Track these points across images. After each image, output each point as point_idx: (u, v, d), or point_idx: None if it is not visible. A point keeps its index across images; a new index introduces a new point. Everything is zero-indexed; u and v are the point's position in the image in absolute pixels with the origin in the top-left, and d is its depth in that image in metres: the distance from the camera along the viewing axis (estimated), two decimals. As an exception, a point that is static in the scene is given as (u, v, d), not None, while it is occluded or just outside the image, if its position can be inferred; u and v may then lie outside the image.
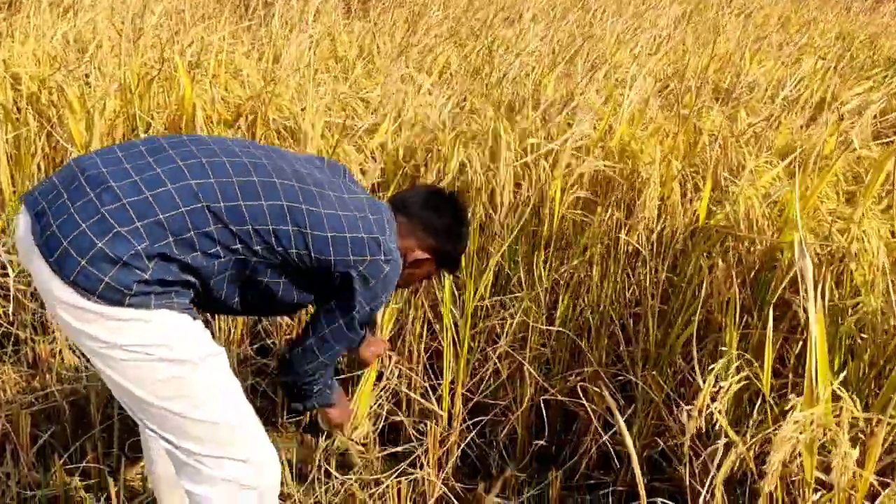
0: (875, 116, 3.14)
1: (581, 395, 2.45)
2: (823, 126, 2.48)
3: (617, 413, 1.15)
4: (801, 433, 1.12)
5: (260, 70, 3.00)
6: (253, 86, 2.67)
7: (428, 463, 2.43)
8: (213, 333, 2.09)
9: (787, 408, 1.23)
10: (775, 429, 1.28)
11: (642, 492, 1.24)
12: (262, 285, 1.70)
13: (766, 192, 2.09)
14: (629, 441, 1.13)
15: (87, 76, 2.81)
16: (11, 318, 2.93)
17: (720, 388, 1.35)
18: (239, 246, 1.60)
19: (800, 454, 1.17)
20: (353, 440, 2.31)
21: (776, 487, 1.20)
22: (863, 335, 1.76)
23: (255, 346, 2.95)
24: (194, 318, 1.62)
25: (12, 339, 2.93)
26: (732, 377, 1.39)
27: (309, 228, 1.64)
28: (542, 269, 2.43)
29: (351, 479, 2.44)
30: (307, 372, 1.85)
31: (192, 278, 1.59)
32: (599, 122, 2.66)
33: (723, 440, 1.36)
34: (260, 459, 1.70)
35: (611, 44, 3.97)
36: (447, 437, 2.51)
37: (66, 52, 3.13)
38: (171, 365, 1.55)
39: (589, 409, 2.42)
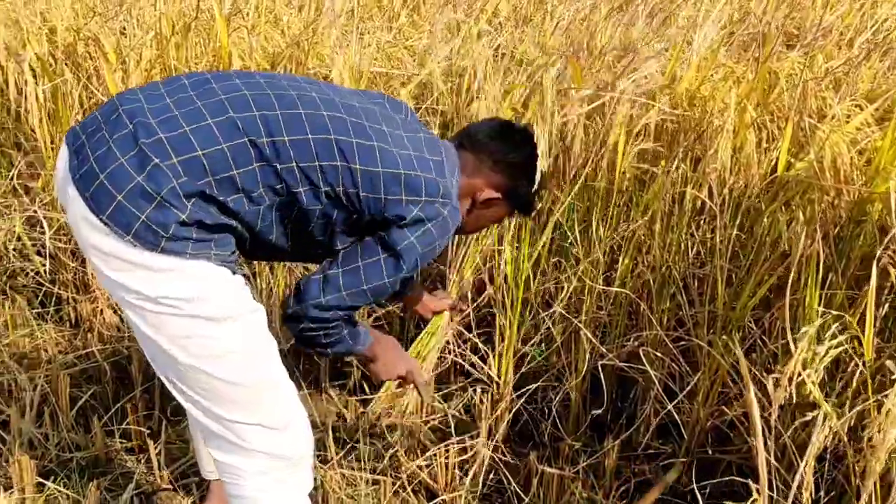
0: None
1: (641, 361, 2.32)
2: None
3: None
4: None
5: (301, 20, 2.86)
6: (294, 35, 2.53)
7: (477, 431, 2.32)
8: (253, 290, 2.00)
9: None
10: (876, 400, 1.12)
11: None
12: (312, 229, 1.56)
13: (854, 139, 1.89)
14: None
15: (123, 28, 2.71)
16: (51, 277, 2.89)
17: (814, 353, 1.19)
18: (281, 185, 1.46)
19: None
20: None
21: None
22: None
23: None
24: (234, 273, 1.50)
25: (53, 298, 2.89)
26: (829, 341, 1.22)
27: (358, 163, 1.48)
28: (602, 228, 2.27)
29: (395, 447, 2.35)
30: (323, 306, 1.54)
31: (233, 222, 1.47)
32: (664, 68, 2.46)
33: (818, 412, 1.20)
34: (294, 427, 1.61)
35: (671, -11, 3.72)
36: (497, 404, 2.39)
37: (104, 3, 3.02)
38: (205, 322, 1.44)
39: (651, 374, 2.28)
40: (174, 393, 1.55)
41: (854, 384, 1.38)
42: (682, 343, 2.30)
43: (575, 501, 2.19)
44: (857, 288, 1.79)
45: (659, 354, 2.29)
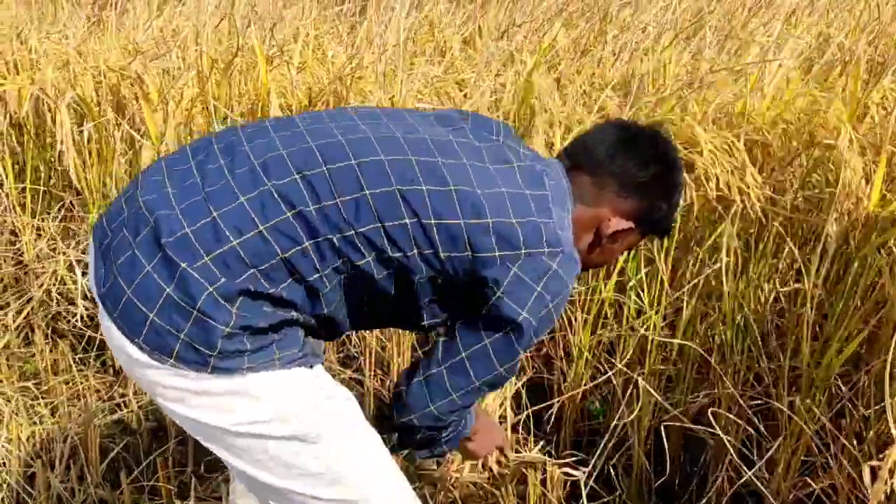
0: None
1: (711, 422, 2.08)
2: None
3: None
4: None
5: (348, 55, 2.76)
6: (336, 71, 2.43)
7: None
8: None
9: None
10: None
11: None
12: (394, 302, 1.27)
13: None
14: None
15: (167, 69, 2.66)
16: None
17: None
18: (341, 261, 1.19)
19: None
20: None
21: None
22: None
23: (341, 356, 2.71)
24: (311, 367, 1.26)
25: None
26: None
27: (432, 217, 1.18)
28: (666, 270, 2.05)
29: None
30: (435, 415, 1.31)
31: (293, 314, 1.21)
32: (737, 99, 2.25)
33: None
34: (405, 497, 1.37)
35: (742, 16, 3.51)
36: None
37: (155, 43, 3.00)
38: (289, 442, 1.22)
39: (723, 438, 2.04)
40: None
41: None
42: (759, 403, 2.05)
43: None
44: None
45: (732, 416, 2.04)
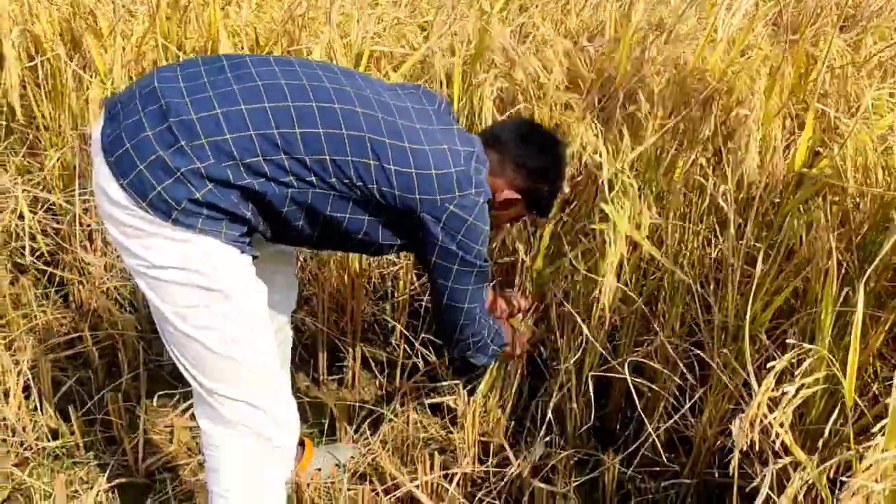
0: None
1: (651, 371, 2.13)
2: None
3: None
4: (877, 481, 0.77)
5: (309, -7, 2.71)
6: (288, 10, 2.39)
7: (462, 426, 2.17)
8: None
9: (874, 432, 0.87)
10: (859, 451, 0.92)
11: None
12: (341, 220, 1.58)
13: (884, 135, 1.65)
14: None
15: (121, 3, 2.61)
16: (54, 259, 2.85)
17: (782, 392, 1.00)
18: (313, 178, 1.49)
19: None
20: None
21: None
22: None
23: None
24: (242, 252, 1.52)
25: (56, 280, 2.84)
26: (803, 378, 1.02)
27: (392, 164, 1.51)
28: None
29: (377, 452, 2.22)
30: (467, 324, 1.78)
31: (250, 209, 1.49)
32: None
33: (789, 460, 1.01)
34: (281, 411, 1.62)
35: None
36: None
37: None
38: (204, 292, 1.47)
39: (656, 388, 2.09)
40: (175, 361, 1.58)
41: (827, 430, 1.18)
42: (695, 354, 2.09)
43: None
44: (878, 306, 1.56)
45: (665, 366, 2.08)
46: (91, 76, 2.31)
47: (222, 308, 1.49)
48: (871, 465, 0.87)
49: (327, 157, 1.47)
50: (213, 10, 2.21)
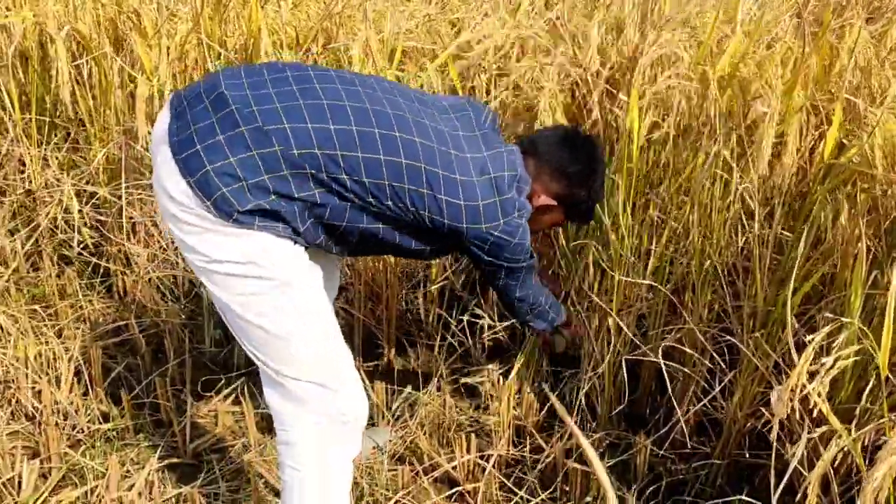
0: None
1: (681, 356, 2.19)
2: None
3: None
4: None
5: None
6: (324, 9, 2.47)
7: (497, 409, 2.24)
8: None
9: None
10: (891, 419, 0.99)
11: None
12: (393, 237, 1.68)
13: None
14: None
15: (163, 3, 2.70)
16: (98, 251, 2.95)
17: (821, 364, 1.07)
18: (371, 199, 1.57)
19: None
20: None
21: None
22: None
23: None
24: (295, 243, 1.60)
25: (101, 271, 2.95)
26: (840, 350, 1.09)
27: (444, 194, 1.60)
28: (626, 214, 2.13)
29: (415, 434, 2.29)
30: (523, 299, 1.93)
31: (308, 220, 1.57)
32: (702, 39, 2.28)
33: (825, 429, 1.08)
34: (348, 389, 1.68)
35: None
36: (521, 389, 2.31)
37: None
38: (262, 282, 1.54)
39: (689, 371, 2.16)
40: (242, 345, 1.65)
41: (861, 404, 1.24)
42: (724, 340, 2.15)
43: (600, 499, 2.09)
44: (906, 288, 1.61)
45: (694, 351, 2.14)
46: (138, 73, 2.39)
47: (280, 295, 1.56)
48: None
49: (386, 182, 1.56)
50: (255, 9, 2.29)
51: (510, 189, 1.68)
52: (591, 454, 0.70)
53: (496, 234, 1.67)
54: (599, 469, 0.68)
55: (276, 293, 1.56)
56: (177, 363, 2.53)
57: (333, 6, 2.40)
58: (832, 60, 2.10)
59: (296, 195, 1.51)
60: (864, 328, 1.20)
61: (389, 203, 1.58)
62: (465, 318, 2.59)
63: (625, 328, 2.18)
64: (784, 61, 1.97)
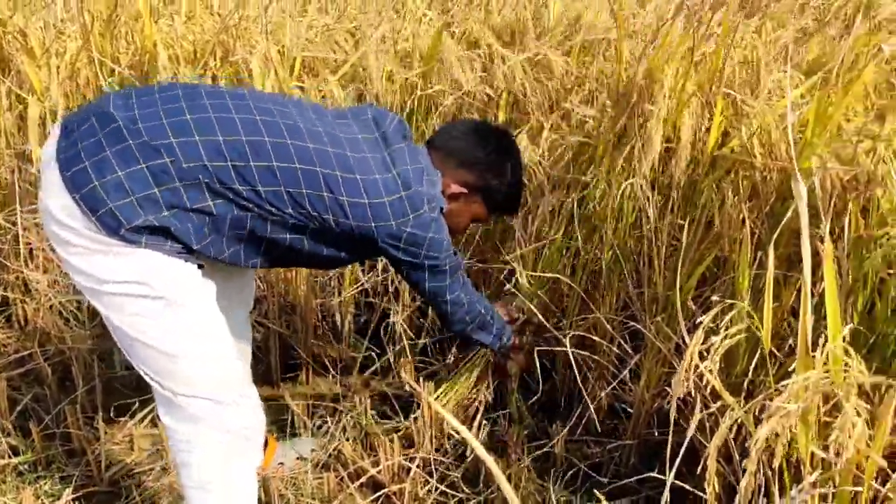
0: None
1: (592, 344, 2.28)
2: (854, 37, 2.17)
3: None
4: (793, 403, 0.92)
5: (239, 3, 2.77)
6: (220, 21, 2.45)
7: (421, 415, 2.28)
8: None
9: (789, 369, 1.02)
10: (776, 389, 1.07)
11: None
12: (301, 246, 1.66)
13: (784, 113, 1.82)
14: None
15: (50, 22, 2.62)
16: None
17: (710, 344, 1.15)
18: (271, 208, 1.55)
19: (794, 427, 0.96)
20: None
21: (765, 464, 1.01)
22: (890, 272, 1.52)
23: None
24: (186, 261, 1.57)
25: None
26: (728, 329, 1.18)
27: (345, 195, 1.58)
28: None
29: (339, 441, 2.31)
30: (458, 309, 1.86)
31: (204, 237, 1.55)
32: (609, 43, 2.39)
33: (719, 404, 1.16)
34: (243, 404, 1.67)
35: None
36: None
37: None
38: (151, 302, 1.52)
39: (600, 359, 2.25)
40: (137, 368, 1.63)
41: (750, 376, 1.34)
42: (630, 326, 2.26)
43: (525, 493, 2.15)
44: (789, 267, 1.74)
45: (603, 339, 2.24)
46: (27, 94, 2.32)
47: (170, 315, 1.55)
48: (787, 390, 1.01)
49: (282, 189, 1.54)
50: (148, 23, 2.25)
51: (417, 183, 1.65)
52: (479, 448, 0.74)
53: (408, 229, 1.63)
54: (479, 449, 0.71)
55: (167, 313, 1.54)
56: (86, 390, 2.46)
57: (229, 18, 2.38)
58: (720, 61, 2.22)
59: (190, 207, 1.50)
60: (751, 309, 1.30)
61: (291, 211, 1.57)
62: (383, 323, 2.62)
63: (538, 315, 2.25)
64: (671, 59, 2.07)
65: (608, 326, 2.18)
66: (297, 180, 1.54)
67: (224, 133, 1.51)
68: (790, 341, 1.85)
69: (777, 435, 0.92)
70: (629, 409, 2.27)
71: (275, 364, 2.67)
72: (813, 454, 0.97)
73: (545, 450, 2.26)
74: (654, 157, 1.83)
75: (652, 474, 2.05)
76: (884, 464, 0.94)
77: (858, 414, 0.88)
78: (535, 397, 2.36)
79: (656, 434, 2.20)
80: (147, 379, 1.63)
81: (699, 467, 1.13)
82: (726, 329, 1.17)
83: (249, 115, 1.55)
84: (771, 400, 1.08)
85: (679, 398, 2.05)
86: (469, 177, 1.79)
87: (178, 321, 1.56)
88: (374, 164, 1.62)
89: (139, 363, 1.60)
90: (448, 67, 2.49)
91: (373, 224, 1.61)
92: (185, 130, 1.49)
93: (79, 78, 2.42)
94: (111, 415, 2.41)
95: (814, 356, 0.95)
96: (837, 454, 0.90)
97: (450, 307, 1.85)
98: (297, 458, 2.29)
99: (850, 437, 0.88)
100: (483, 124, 1.88)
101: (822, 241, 1.35)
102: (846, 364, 0.97)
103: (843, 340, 0.99)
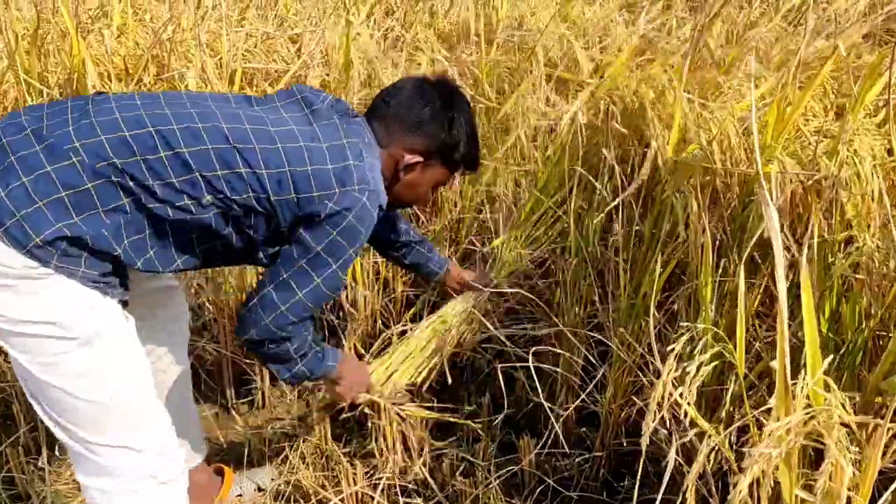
0: (865, 15, 2.81)
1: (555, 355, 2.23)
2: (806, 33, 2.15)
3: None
4: (775, 449, 0.86)
5: (173, 15, 2.65)
6: (155, 34, 2.33)
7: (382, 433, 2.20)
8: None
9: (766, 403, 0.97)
10: (755, 415, 1.02)
11: None
12: (228, 239, 1.53)
13: (742, 117, 1.79)
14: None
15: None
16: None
17: (683, 371, 1.10)
18: (187, 201, 1.43)
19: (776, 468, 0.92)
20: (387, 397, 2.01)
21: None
22: (857, 276, 1.49)
23: (198, 324, 2.69)
24: (105, 295, 1.46)
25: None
26: (700, 355, 1.12)
27: (264, 167, 1.44)
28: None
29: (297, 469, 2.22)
30: (271, 329, 1.56)
31: (127, 234, 1.43)
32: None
33: (696, 430, 1.11)
34: (163, 449, 1.58)
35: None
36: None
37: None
38: (63, 342, 1.41)
39: (561, 372, 2.20)
40: (42, 417, 1.51)
41: (727, 401, 1.30)
42: (594, 336, 2.20)
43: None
44: (752, 272, 1.70)
45: (567, 350, 2.19)
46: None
47: (83, 356, 1.43)
48: (769, 434, 0.96)
49: (197, 175, 1.42)
50: (76, 40, 2.13)
51: (353, 158, 1.50)
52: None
53: (331, 204, 1.47)
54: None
55: (79, 354, 1.43)
56: (28, 429, 2.32)
57: (162, 32, 2.26)
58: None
59: (102, 208, 1.39)
60: (717, 330, 1.25)
61: (209, 197, 1.44)
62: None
63: (493, 328, 2.19)
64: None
65: (571, 338, 2.13)
66: (211, 162, 1.43)
67: (130, 128, 1.41)
68: (756, 345, 1.82)
69: (761, 477, 0.87)
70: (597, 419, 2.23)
71: (229, 389, 2.56)
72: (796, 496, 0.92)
73: (512, 469, 2.20)
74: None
75: (622, 484, 2.02)
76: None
77: (847, 452, 0.84)
78: (502, 413, 2.30)
79: (624, 444, 2.15)
80: (54, 429, 1.51)
81: (673, 489, 1.08)
82: (700, 353, 1.11)
83: (157, 109, 1.45)
84: (748, 429, 1.03)
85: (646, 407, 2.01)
86: (420, 141, 1.64)
87: (91, 362, 1.44)
88: (300, 135, 1.50)
89: (48, 409, 1.48)
90: (356, 74, 2.40)
91: (294, 195, 1.47)
92: (92, 132, 1.39)
93: (6, 100, 2.28)
94: (56, 453, 2.29)
95: (793, 389, 0.90)
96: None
97: (270, 319, 1.55)
98: (256, 490, 2.20)
99: (837, 482, 0.83)
100: (417, 81, 1.69)
101: (787, 249, 1.31)
102: (826, 401, 0.92)
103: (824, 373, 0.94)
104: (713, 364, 1.16)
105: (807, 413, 0.87)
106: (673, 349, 1.10)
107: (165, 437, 1.60)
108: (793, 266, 1.74)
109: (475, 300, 2.19)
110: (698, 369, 1.08)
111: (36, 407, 1.50)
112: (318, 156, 1.48)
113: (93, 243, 1.39)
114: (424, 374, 2.12)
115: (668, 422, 1.42)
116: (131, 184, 1.39)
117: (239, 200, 1.46)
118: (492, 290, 2.19)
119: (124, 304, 1.54)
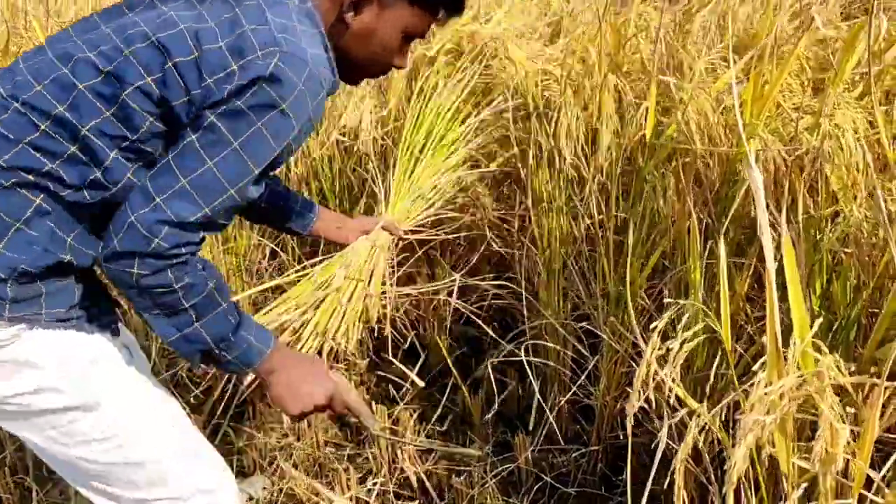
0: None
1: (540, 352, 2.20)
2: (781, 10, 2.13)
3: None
4: (767, 414, 0.84)
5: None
6: None
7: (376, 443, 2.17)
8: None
9: (753, 371, 0.94)
10: (744, 390, 1.00)
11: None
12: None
13: (720, 96, 1.77)
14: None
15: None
16: None
17: (667, 349, 1.06)
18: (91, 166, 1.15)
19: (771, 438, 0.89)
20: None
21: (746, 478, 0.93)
22: (846, 250, 1.47)
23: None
24: (77, 331, 1.23)
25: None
26: (684, 332, 1.09)
27: (169, 57, 1.12)
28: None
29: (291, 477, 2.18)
30: (139, 232, 1.11)
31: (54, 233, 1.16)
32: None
33: (684, 411, 1.08)
34: (208, 479, 1.36)
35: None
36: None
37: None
38: (65, 413, 1.21)
39: (551, 365, 2.17)
40: (86, 495, 1.31)
41: (712, 378, 1.28)
42: (581, 326, 2.18)
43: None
44: (739, 254, 1.68)
45: (556, 343, 2.16)
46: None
47: (94, 415, 1.24)
48: (758, 401, 0.93)
49: (84, 131, 1.13)
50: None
51: (249, 23, 1.15)
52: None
53: (234, 81, 1.11)
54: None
55: (91, 416, 1.22)
56: (15, 448, 2.28)
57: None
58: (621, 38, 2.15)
59: (17, 223, 1.13)
60: (705, 308, 1.22)
61: (111, 154, 1.15)
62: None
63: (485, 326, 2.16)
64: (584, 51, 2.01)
65: (560, 329, 2.10)
66: (93, 106, 1.13)
67: (14, 80, 1.16)
68: (748, 328, 1.80)
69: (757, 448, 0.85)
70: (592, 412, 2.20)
71: (218, 398, 2.52)
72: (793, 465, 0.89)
73: (508, 464, 2.17)
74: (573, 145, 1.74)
75: (620, 478, 1.99)
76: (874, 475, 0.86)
77: (842, 420, 0.81)
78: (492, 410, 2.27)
79: (620, 437, 2.12)
80: (102, 499, 1.30)
81: (668, 475, 1.05)
82: (683, 330, 1.08)
83: (18, 76, 1.17)
84: (738, 404, 1.00)
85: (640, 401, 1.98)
86: None
87: (114, 420, 1.24)
88: (179, 20, 1.16)
89: (87, 481, 1.28)
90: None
91: (185, 91, 1.13)
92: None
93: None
94: (44, 472, 2.24)
95: (784, 355, 0.88)
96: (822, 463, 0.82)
97: (151, 186, 1.13)
98: (248, 500, 2.16)
99: (833, 446, 0.80)
100: None
101: (773, 227, 1.28)
102: (817, 361, 0.89)
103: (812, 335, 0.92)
104: (697, 340, 1.13)
105: (799, 377, 0.85)
106: (656, 327, 1.06)
107: (214, 471, 1.40)
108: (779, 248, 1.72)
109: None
110: (682, 345, 1.05)
111: (75, 486, 1.32)
112: (206, 36, 1.14)
113: (32, 267, 1.14)
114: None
115: (657, 405, 1.39)
116: (29, 177, 1.13)
117: (147, 121, 1.15)
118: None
119: (114, 332, 1.31)
